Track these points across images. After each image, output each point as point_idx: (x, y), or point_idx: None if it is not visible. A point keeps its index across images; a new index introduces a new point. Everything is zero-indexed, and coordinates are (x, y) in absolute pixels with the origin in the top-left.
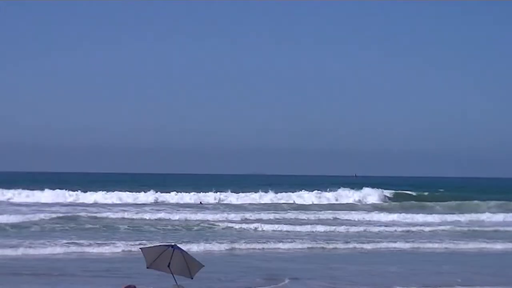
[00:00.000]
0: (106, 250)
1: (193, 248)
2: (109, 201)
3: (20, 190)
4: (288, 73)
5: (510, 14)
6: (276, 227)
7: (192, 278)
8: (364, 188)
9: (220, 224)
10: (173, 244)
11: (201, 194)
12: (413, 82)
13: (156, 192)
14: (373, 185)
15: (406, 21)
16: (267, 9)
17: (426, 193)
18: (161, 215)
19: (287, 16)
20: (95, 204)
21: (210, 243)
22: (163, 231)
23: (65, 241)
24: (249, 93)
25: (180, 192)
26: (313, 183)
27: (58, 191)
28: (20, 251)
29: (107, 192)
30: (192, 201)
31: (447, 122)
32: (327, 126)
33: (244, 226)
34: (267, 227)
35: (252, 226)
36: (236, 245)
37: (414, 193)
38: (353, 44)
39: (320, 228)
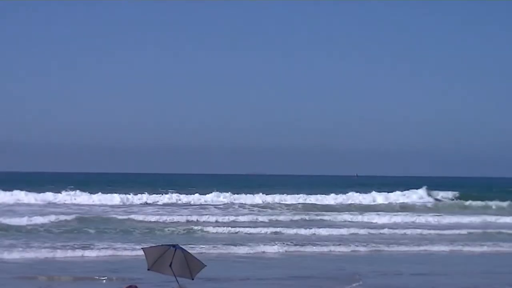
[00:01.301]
0: (117, 252)
1: (234, 250)
2: (112, 202)
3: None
4: (288, 74)
5: (509, 13)
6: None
7: (192, 279)
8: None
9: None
10: (174, 244)
11: (229, 194)
12: (414, 82)
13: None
14: (379, 185)
15: (405, 22)
16: (267, 10)
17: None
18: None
19: (286, 17)
20: (100, 205)
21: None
22: (187, 234)
23: (78, 243)
24: (249, 94)
25: (205, 194)
26: (315, 183)
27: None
28: (33, 254)
29: (113, 193)
30: (226, 201)
31: (447, 122)
32: (327, 126)
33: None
34: (322, 231)
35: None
36: (289, 248)
37: (453, 194)
38: (353, 45)
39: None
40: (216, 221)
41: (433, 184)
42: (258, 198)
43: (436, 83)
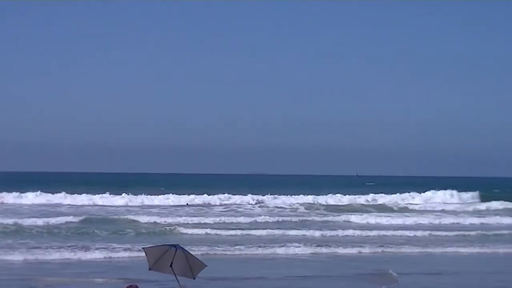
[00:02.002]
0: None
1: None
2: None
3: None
4: (288, 74)
5: (509, 13)
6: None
7: (194, 279)
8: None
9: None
10: (175, 244)
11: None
12: (414, 82)
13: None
14: (384, 186)
15: (405, 22)
16: (267, 10)
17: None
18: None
19: (286, 17)
20: (101, 206)
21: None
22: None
23: (79, 244)
24: (250, 94)
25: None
26: (320, 183)
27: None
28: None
29: (115, 194)
30: (253, 202)
31: (447, 122)
32: (327, 126)
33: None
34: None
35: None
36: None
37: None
38: (353, 45)
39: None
40: (220, 222)
41: (435, 184)
42: (267, 198)
43: (436, 83)
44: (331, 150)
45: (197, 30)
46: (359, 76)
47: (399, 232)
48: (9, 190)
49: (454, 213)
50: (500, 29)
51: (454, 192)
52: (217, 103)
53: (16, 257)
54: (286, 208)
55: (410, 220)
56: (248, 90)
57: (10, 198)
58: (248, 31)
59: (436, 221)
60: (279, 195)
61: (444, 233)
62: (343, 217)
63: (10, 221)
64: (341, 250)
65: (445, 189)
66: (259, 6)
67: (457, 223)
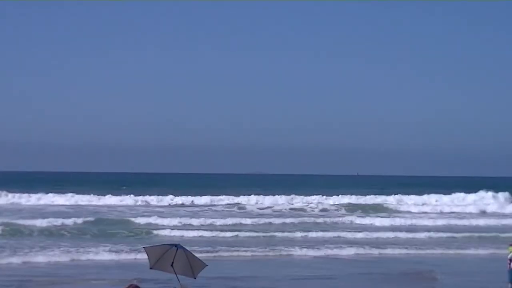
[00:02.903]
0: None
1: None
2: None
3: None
4: (288, 74)
5: (509, 13)
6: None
7: (195, 278)
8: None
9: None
10: (176, 243)
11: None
12: (414, 82)
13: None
14: (390, 185)
15: (405, 22)
16: (267, 10)
17: None
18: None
19: (286, 17)
20: (101, 206)
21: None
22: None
23: (77, 245)
24: (251, 94)
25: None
26: (319, 183)
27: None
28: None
29: (116, 194)
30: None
31: (447, 122)
32: (327, 126)
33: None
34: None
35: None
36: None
37: None
38: (353, 45)
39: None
40: (221, 224)
41: (436, 184)
42: (269, 199)
43: (436, 83)
44: (331, 150)
45: (197, 30)
46: (359, 76)
47: (432, 234)
48: (9, 190)
49: (484, 215)
50: (500, 29)
51: (483, 193)
52: (217, 103)
53: (17, 257)
54: (288, 208)
55: (439, 222)
56: (248, 90)
57: (10, 198)
58: (248, 31)
59: (467, 223)
60: (281, 195)
61: (483, 234)
62: (355, 218)
63: (7, 220)
64: (375, 251)
65: (452, 191)
66: (259, 6)
67: (494, 225)
